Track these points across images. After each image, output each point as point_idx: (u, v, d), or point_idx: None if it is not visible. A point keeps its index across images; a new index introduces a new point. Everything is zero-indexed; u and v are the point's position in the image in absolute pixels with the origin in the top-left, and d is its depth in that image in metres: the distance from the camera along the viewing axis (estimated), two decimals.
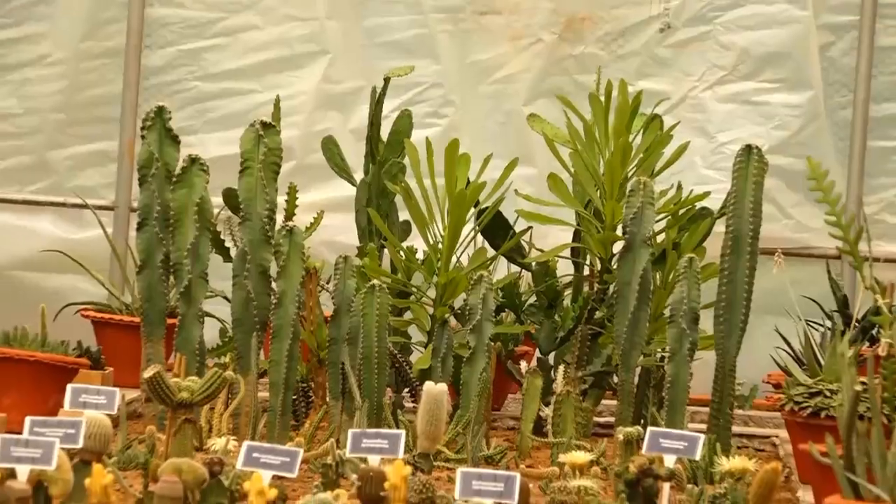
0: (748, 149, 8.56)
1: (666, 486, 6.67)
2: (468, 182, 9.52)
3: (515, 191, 9.99)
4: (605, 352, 9.23)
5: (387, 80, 10.14)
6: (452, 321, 8.98)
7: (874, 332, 9.50)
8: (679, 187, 9.77)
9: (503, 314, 9.28)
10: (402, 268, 9.50)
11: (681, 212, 9.55)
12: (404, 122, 10.06)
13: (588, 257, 9.71)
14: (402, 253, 9.62)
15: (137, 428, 7.96)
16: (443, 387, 7.79)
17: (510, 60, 11.42)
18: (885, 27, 11.33)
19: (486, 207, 9.77)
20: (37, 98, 11.44)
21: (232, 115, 10.67)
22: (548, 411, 8.70)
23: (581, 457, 7.42)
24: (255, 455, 6.63)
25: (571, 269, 9.93)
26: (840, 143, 11.25)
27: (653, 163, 9.58)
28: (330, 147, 10.16)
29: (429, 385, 7.80)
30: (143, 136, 8.97)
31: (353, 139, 10.20)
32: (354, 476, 6.62)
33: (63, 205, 11.29)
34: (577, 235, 9.87)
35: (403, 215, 9.94)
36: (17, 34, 11.34)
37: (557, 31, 11.33)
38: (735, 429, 8.78)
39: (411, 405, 8.48)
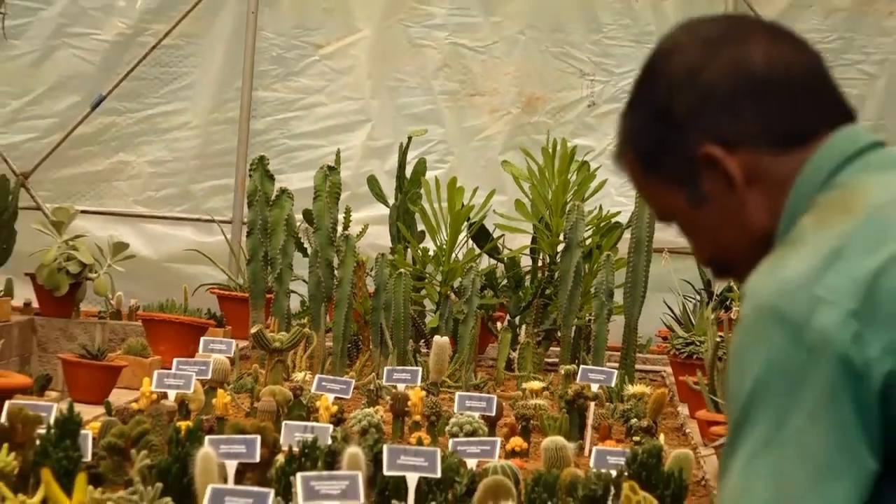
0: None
1: (592, 405, 6.70)
2: (463, 205, 9.54)
3: (494, 211, 9.92)
4: (553, 316, 9.18)
5: (409, 138, 10.13)
6: (452, 296, 8.96)
7: (728, 303, 9.47)
8: (600, 208, 9.67)
9: (485, 291, 9.22)
10: (419, 261, 9.48)
11: (601, 224, 9.49)
12: (421, 166, 10.03)
13: (541, 254, 9.63)
14: (419, 251, 9.62)
15: (246, 366, 7.93)
16: (446, 339, 7.86)
17: (490, 125, 11.32)
18: None
19: (474, 222, 9.74)
20: (181, 150, 11.33)
21: (308, 162, 10.53)
22: (514, 355, 8.71)
23: (536, 384, 7.46)
24: (323, 383, 6.69)
25: (530, 262, 9.83)
26: None
27: (583, 192, 9.47)
28: (372, 183, 10.16)
29: (437, 338, 7.85)
30: (250, 175, 9.01)
31: (387, 177, 10.13)
32: (388, 397, 6.64)
33: (198, 220, 11.22)
34: (534, 240, 9.78)
35: (420, 227, 9.87)
36: (169, 109, 11.25)
37: (521, 106, 11.21)
38: (637, 366, 8.79)
39: (425, 350, 8.44)
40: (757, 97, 2.16)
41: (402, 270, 8.66)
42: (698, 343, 8.13)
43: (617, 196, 10.62)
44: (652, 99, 2.22)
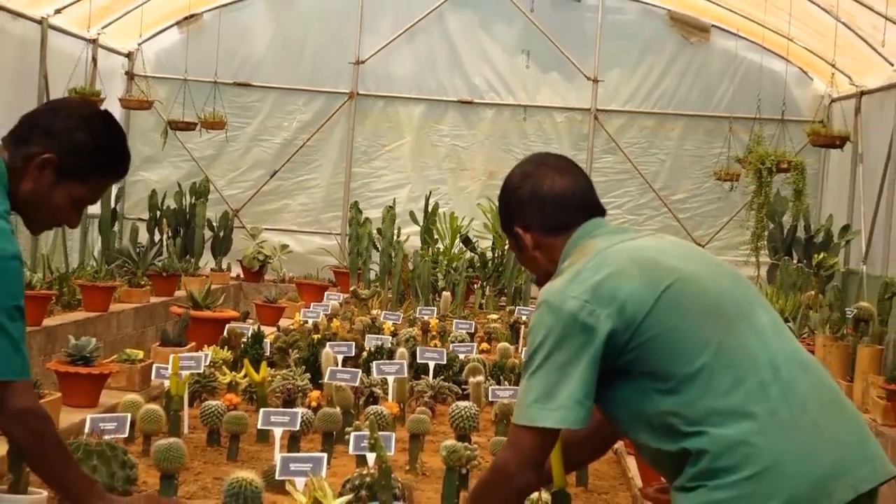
0: None
1: (522, 327, 6.62)
2: (457, 226, 9.49)
3: (473, 229, 9.84)
4: (503, 281, 9.05)
5: (430, 192, 10.06)
6: (452, 272, 8.91)
7: None
8: None
9: (469, 269, 9.14)
10: (435, 254, 9.34)
11: None
12: (436, 206, 9.89)
13: (496, 250, 9.49)
14: (436, 249, 9.49)
15: (347, 307, 7.82)
16: (448, 293, 7.78)
17: (471, 186, 11.10)
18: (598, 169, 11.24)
19: (463, 234, 9.67)
20: (315, 198, 11.17)
21: (379, 204, 10.18)
22: (483, 300, 8.63)
23: (494, 316, 7.40)
24: (387, 316, 6.64)
25: (491, 254, 9.62)
26: None
27: None
28: (412, 215, 9.97)
29: (444, 293, 7.76)
30: (350, 210, 8.98)
31: (419, 212, 9.99)
32: (420, 322, 6.59)
33: (324, 233, 11.07)
34: (493, 243, 9.60)
35: (436, 237, 9.78)
36: (309, 177, 11.14)
37: (487, 175, 10.96)
38: None
39: (438, 299, 8.36)
40: (541, 207, 2.23)
41: (426, 259, 8.57)
42: None
43: None
44: (503, 196, 2.31)
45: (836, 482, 1.95)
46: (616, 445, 3.91)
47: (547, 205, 2.22)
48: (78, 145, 2.18)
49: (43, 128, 2.19)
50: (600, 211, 2.27)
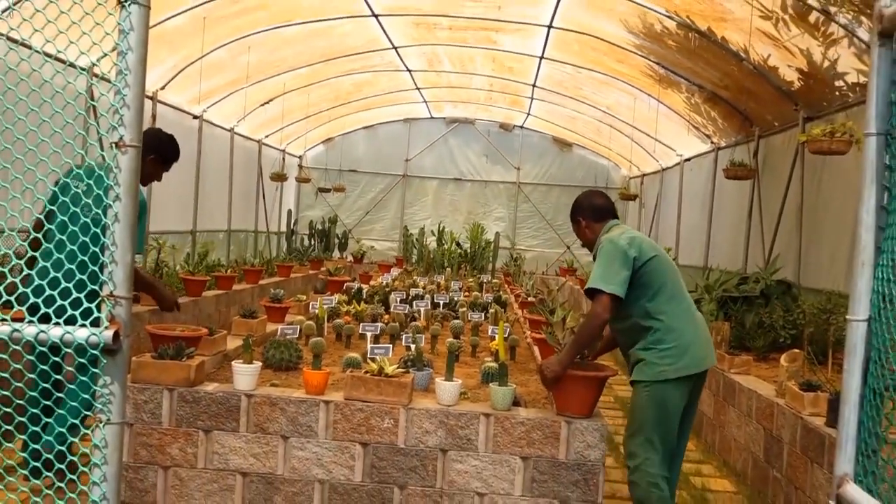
0: (497, 234, 8.03)
1: (484, 284, 6.34)
2: (453, 237, 9.20)
3: (460, 238, 9.55)
4: (476, 263, 8.70)
5: (440, 222, 9.83)
6: (451, 259, 8.70)
7: (516, 260, 9.07)
8: (486, 237, 9.16)
9: (460, 259, 8.93)
10: (442, 251, 9.02)
11: (487, 241, 8.84)
12: (443, 228, 9.42)
13: (473, 248, 9.20)
14: (443, 248, 9.15)
15: (401, 275, 7.56)
16: (449, 269, 7.54)
17: (460, 218, 10.85)
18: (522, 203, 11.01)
19: (456, 241, 9.43)
20: (386, 224, 10.91)
21: (417, 228, 10.13)
22: (466, 273, 8.36)
23: (472, 280, 7.10)
24: (420, 280, 6.37)
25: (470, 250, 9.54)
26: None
27: (481, 233, 8.86)
28: (432, 232, 9.54)
29: (447, 269, 7.55)
30: (403, 230, 8.71)
31: (436, 231, 9.71)
32: (436, 283, 6.41)
33: (390, 241, 10.80)
34: (471, 245, 9.13)
35: (443, 241, 9.54)
36: (384, 214, 10.88)
37: (467, 213, 10.79)
38: (496, 274, 8.23)
39: (444, 272, 8.19)
40: (592, 209, 2.29)
41: (439, 252, 8.25)
42: (509, 267, 7.83)
43: (487, 234, 10.42)
44: (575, 207, 2.32)
45: (703, 361, 2.17)
46: (528, 340, 3.85)
47: (595, 209, 2.31)
48: (161, 147, 2.57)
49: (152, 143, 2.54)
50: (616, 215, 2.33)
